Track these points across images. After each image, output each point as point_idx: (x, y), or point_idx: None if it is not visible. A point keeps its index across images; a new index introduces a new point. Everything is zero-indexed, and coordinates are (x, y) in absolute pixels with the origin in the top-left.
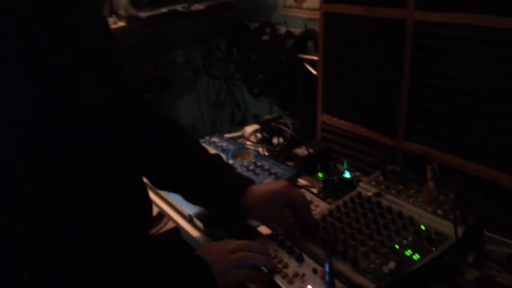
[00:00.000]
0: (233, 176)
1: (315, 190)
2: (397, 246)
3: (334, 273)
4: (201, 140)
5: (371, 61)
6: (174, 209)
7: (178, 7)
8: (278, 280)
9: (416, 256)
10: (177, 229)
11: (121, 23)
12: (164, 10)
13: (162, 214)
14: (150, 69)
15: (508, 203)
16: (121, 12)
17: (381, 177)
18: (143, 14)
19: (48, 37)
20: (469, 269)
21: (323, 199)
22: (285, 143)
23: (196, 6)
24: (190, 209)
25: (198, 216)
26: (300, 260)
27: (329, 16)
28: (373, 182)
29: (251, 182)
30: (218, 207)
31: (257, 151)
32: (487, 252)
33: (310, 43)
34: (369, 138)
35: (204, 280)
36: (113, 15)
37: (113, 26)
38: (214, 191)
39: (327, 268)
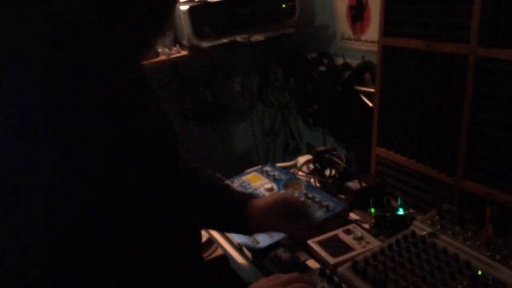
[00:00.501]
0: (233, 193)
1: (366, 226)
2: None
3: None
4: (253, 169)
5: (431, 95)
6: (224, 237)
7: (239, 38)
8: None
9: None
10: (225, 256)
11: (184, 52)
12: (225, 40)
13: (211, 241)
14: (209, 96)
15: None
16: (185, 42)
17: (437, 217)
18: (205, 44)
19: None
20: None
21: (375, 235)
22: (337, 176)
23: (256, 37)
24: (240, 238)
25: (247, 246)
26: None
27: (388, 49)
28: (428, 222)
29: (251, 196)
30: (224, 225)
31: (309, 182)
32: None
33: (367, 75)
34: (425, 174)
35: None
36: (177, 45)
37: (176, 55)
38: (218, 210)
39: None
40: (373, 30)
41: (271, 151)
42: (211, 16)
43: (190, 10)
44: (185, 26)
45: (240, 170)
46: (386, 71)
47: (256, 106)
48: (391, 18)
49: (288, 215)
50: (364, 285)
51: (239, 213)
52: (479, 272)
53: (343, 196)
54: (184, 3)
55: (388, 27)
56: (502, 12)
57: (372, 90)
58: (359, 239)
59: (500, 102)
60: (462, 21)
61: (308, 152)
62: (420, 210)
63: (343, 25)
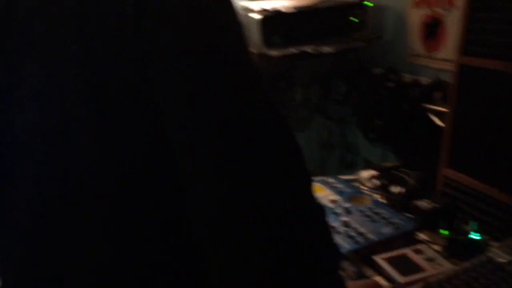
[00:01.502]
0: None
1: (436, 247)
2: None
3: None
4: (316, 179)
5: (508, 118)
6: None
7: (308, 49)
8: None
9: None
10: None
11: None
12: (294, 50)
13: None
14: None
15: None
16: (253, 49)
17: None
18: (274, 53)
19: None
20: None
21: (446, 258)
22: (405, 193)
23: (326, 49)
24: None
25: None
26: None
27: (465, 68)
28: (507, 249)
29: None
30: None
31: (374, 198)
32: None
33: (437, 94)
34: (499, 200)
35: None
36: None
37: None
38: None
39: None
40: (447, 48)
41: (327, 163)
42: (282, 25)
43: (263, 19)
44: (256, 34)
45: None
46: (462, 91)
47: (315, 118)
48: (471, 37)
49: None
50: None
51: None
52: None
53: (409, 215)
54: (257, 12)
55: (468, 46)
56: None
57: (443, 109)
58: (430, 260)
59: None
60: None
61: (365, 167)
62: (493, 237)
63: (414, 41)
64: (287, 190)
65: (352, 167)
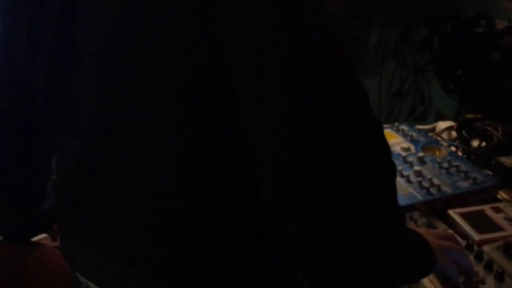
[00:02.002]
0: None
1: None
2: None
3: None
4: (387, 126)
5: None
6: None
7: None
8: None
9: None
10: None
11: None
12: None
13: None
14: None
15: None
16: None
17: None
18: None
19: None
20: None
21: None
22: (488, 148)
23: None
24: None
25: None
26: (501, 279)
27: None
28: None
29: None
30: None
31: (451, 150)
32: None
33: None
34: None
35: (427, 252)
36: None
37: None
38: None
39: None
40: None
41: (394, 113)
42: None
43: None
44: None
45: None
46: None
47: (389, 63)
48: None
49: None
50: None
51: None
52: None
53: (490, 172)
54: None
55: None
56: None
57: None
58: (510, 220)
59: None
60: None
61: (437, 120)
62: None
63: None
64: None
65: (422, 119)
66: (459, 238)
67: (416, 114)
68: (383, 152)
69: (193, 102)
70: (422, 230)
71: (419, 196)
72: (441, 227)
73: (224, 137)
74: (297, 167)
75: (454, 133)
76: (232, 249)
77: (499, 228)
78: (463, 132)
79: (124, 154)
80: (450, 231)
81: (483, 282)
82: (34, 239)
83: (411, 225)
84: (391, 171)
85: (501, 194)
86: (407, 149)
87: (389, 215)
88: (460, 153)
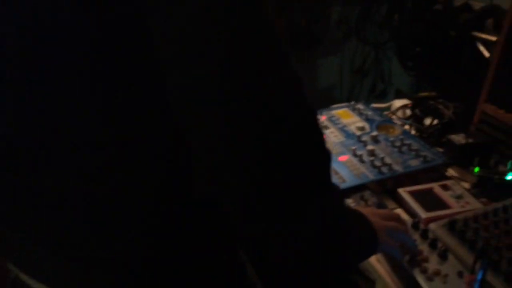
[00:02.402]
0: None
1: (466, 185)
2: None
3: (484, 285)
4: (343, 105)
5: None
6: None
7: None
8: (417, 273)
9: None
10: None
11: None
12: None
13: None
14: (303, 22)
15: None
16: None
17: None
18: None
19: None
20: None
21: (475, 196)
22: (439, 126)
23: None
24: None
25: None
26: (444, 257)
27: None
28: None
29: None
30: None
31: (404, 128)
32: None
33: (489, 21)
34: None
35: (369, 232)
36: None
37: None
38: None
39: (479, 277)
40: None
41: (356, 90)
42: None
43: None
44: None
45: (321, 105)
46: None
47: (350, 41)
48: None
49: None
50: (460, 248)
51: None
52: None
53: (441, 150)
54: None
55: None
56: None
57: (494, 38)
58: (458, 197)
59: None
60: None
61: (398, 97)
62: None
63: None
64: (287, 120)
65: (383, 96)
66: (406, 217)
67: (377, 91)
68: (315, 141)
69: (121, 91)
70: (368, 211)
71: (370, 176)
72: (391, 205)
73: (154, 122)
74: (230, 163)
75: (409, 112)
76: (163, 238)
77: (446, 206)
78: (417, 111)
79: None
80: (396, 211)
81: (426, 260)
82: None
83: (361, 204)
84: (324, 158)
85: (450, 172)
86: (362, 128)
87: (320, 201)
88: (413, 131)
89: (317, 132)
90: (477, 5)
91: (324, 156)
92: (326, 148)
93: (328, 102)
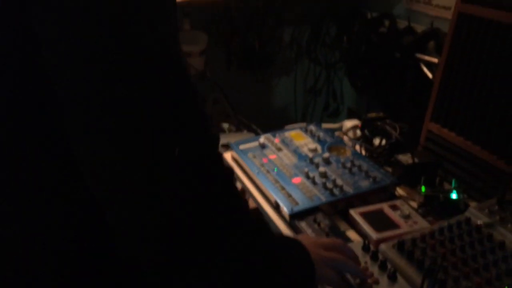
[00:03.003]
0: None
1: (414, 204)
2: None
3: None
4: (297, 125)
5: (503, 74)
6: (259, 191)
7: None
8: None
9: None
10: (258, 211)
11: None
12: None
13: (243, 191)
14: (256, 44)
15: None
16: None
17: (496, 206)
18: None
19: None
20: None
21: (423, 215)
22: (387, 146)
23: None
24: (277, 195)
25: (285, 205)
26: (393, 279)
27: (464, 17)
28: (486, 210)
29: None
30: None
31: (355, 149)
32: None
33: (431, 44)
34: (481, 159)
35: (305, 265)
36: None
37: None
38: None
39: None
40: None
41: (310, 109)
42: None
43: None
44: None
45: (276, 124)
46: (458, 41)
47: (302, 61)
48: None
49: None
50: (409, 268)
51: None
52: None
53: (390, 169)
54: None
55: None
56: None
57: (436, 60)
58: (406, 217)
59: None
60: None
61: (349, 117)
62: (471, 197)
63: None
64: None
65: (336, 115)
66: (358, 238)
67: (330, 110)
68: (218, 181)
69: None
70: (311, 241)
71: (322, 198)
72: (344, 227)
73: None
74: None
75: (359, 132)
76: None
77: (395, 226)
78: (366, 131)
79: None
80: (349, 232)
81: (377, 282)
82: None
83: (314, 227)
84: (231, 200)
85: (399, 191)
86: (314, 150)
87: (231, 241)
88: (363, 152)
89: (220, 172)
90: (419, 28)
91: (231, 199)
92: (232, 189)
93: (283, 121)
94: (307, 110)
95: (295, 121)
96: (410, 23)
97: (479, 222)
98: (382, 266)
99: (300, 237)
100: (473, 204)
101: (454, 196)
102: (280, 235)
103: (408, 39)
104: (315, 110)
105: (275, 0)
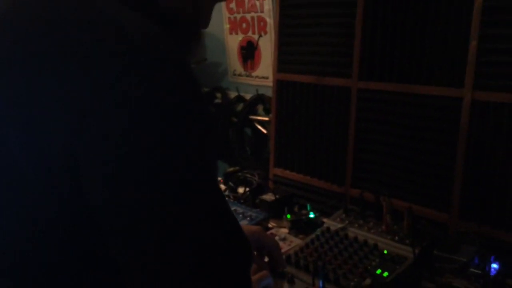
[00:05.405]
0: None
1: (285, 230)
2: (369, 267)
3: None
4: None
5: (321, 121)
6: None
7: None
8: None
9: (385, 274)
10: None
11: None
12: None
13: None
14: None
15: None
16: None
17: (344, 215)
18: None
19: None
20: (426, 279)
21: (295, 235)
22: (248, 192)
23: None
24: None
25: None
26: (291, 281)
27: (282, 83)
28: (338, 219)
29: None
30: None
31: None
32: (437, 268)
33: (259, 106)
34: (319, 187)
35: None
36: None
37: None
38: None
39: (321, 284)
40: (263, 67)
41: None
42: None
43: None
44: None
45: None
46: (281, 101)
47: None
48: (282, 57)
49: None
50: (299, 273)
51: None
52: (385, 251)
53: (257, 209)
54: None
55: (281, 64)
56: (377, 54)
57: (266, 118)
58: (283, 239)
59: (377, 123)
60: (345, 60)
61: None
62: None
63: (235, 63)
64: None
65: None
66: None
67: None
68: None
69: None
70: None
71: None
72: None
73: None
74: None
75: (222, 186)
76: None
77: None
78: (230, 183)
79: None
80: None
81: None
82: None
83: None
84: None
85: (271, 223)
86: None
87: None
88: (232, 200)
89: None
90: (248, 96)
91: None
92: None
93: None
94: None
95: None
96: (239, 92)
97: (334, 228)
98: (280, 276)
99: None
100: (325, 218)
101: (311, 215)
102: None
103: (240, 106)
104: None
105: None
